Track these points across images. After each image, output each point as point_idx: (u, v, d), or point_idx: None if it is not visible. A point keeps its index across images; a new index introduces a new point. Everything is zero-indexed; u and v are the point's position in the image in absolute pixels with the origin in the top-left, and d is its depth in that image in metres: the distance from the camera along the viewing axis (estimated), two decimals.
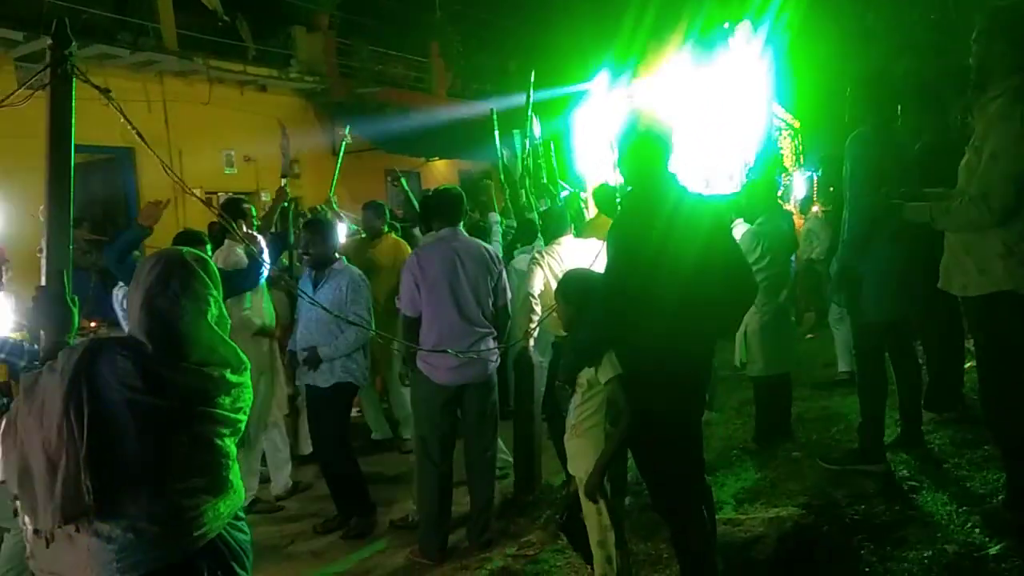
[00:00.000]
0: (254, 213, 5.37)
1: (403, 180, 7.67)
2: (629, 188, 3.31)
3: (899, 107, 4.94)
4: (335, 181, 7.08)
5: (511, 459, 5.06)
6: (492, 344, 4.36)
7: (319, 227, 4.90)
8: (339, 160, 7.24)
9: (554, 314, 4.43)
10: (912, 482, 4.00)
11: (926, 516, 3.61)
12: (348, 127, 7.74)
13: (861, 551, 3.36)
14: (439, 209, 4.47)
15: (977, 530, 3.38)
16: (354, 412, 5.63)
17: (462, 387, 4.29)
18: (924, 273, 4.40)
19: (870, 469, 4.14)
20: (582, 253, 4.58)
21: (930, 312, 4.77)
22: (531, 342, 4.78)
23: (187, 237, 4.57)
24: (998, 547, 3.18)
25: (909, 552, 3.28)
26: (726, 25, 7.53)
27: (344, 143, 7.35)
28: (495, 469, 4.53)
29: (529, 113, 7.27)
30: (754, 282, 3.15)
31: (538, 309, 4.70)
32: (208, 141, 11.53)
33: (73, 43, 2.37)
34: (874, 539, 3.45)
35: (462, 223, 4.52)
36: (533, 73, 7.38)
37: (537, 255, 4.86)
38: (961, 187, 3.23)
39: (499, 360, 4.54)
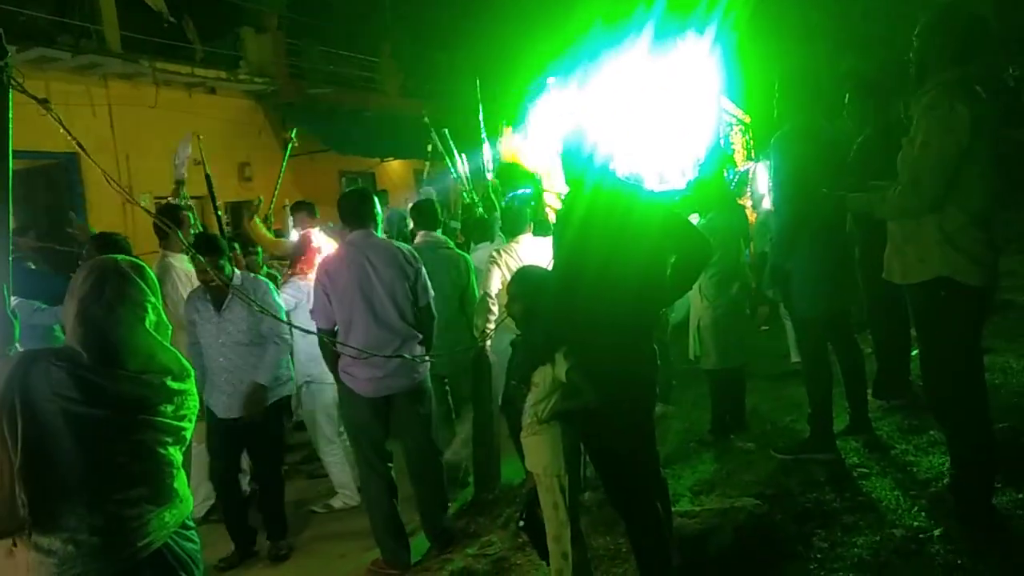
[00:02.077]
0: (192, 220, 5.29)
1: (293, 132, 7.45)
2: (568, 189, 3.32)
3: (845, 99, 5.06)
4: (278, 185, 6.99)
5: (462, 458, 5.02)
6: (419, 350, 4.17)
7: (213, 244, 4.42)
8: (283, 165, 7.15)
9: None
10: (861, 469, 4.08)
11: (875, 502, 3.69)
12: (294, 130, 7.64)
13: (813, 538, 3.42)
14: (346, 212, 4.23)
15: (923, 514, 3.46)
16: None
17: (387, 398, 4.11)
18: (859, 269, 4.53)
19: (820, 457, 4.23)
20: (541, 252, 4.57)
21: (875, 301, 4.89)
22: (487, 341, 4.77)
23: (104, 242, 4.43)
24: (940, 530, 3.26)
25: (858, 537, 3.35)
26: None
27: (290, 146, 7.26)
28: (440, 474, 4.34)
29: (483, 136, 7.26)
30: (707, 242, 3.16)
31: (495, 309, 4.69)
32: (156, 145, 11.28)
33: (8, 53, 2.31)
34: (825, 526, 3.51)
35: (378, 226, 4.31)
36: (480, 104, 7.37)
37: (495, 254, 4.85)
38: (900, 179, 3.31)
39: (427, 367, 4.29)
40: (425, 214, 5.38)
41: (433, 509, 4.27)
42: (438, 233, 5.31)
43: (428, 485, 4.26)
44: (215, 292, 4.29)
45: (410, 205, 7.02)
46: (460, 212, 7.15)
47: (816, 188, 3.98)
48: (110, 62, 10.64)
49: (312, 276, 4.71)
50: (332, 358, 4.13)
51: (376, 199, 4.39)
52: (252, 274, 4.88)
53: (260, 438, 4.45)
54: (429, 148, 8.00)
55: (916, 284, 3.27)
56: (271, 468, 4.62)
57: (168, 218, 5.00)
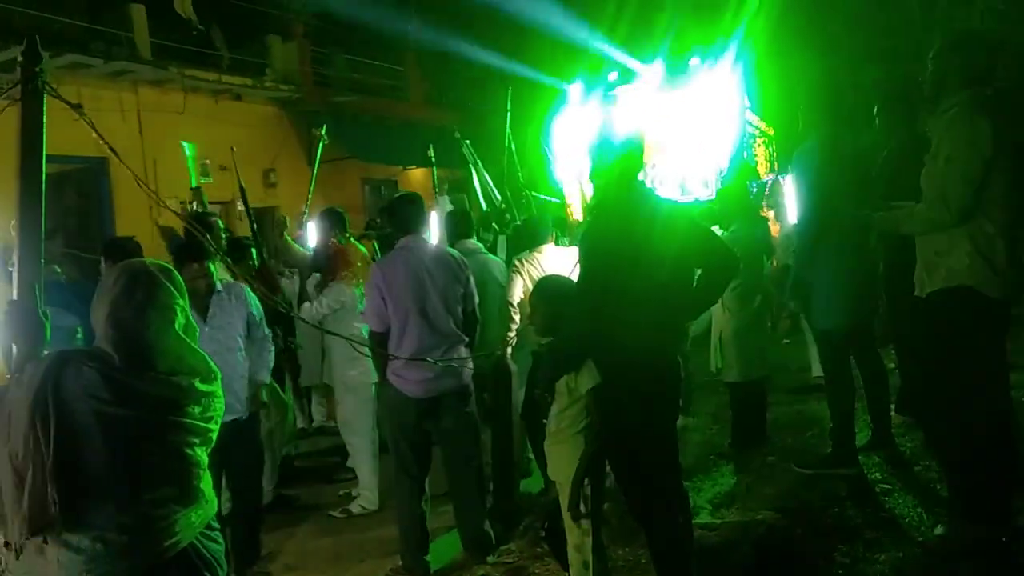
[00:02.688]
0: (221, 226, 5.34)
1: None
2: (598, 197, 3.34)
3: (875, 111, 5.05)
4: (312, 188, 7.01)
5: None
6: (465, 352, 4.25)
7: (198, 250, 4.22)
8: (316, 164, 7.18)
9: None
10: (884, 484, 4.05)
11: (897, 518, 3.67)
12: (324, 127, 7.66)
13: (834, 554, 3.41)
14: (401, 217, 4.31)
15: (945, 530, 3.42)
16: None
17: (435, 399, 4.14)
18: (874, 281, 4.51)
19: (843, 472, 4.20)
20: (563, 261, 4.58)
21: (899, 316, 4.85)
22: (508, 350, 4.78)
23: (115, 247, 4.47)
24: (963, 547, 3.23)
25: (881, 554, 3.33)
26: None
27: (321, 143, 7.29)
28: (481, 478, 4.35)
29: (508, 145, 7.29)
30: (734, 255, 3.17)
31: (517, 318, 4.70)
32: (183, 151, 11.45)
33: (44, 58, 2.37)
34: (847, 542, 3.49)
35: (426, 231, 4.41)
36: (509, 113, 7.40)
37: (517, 263, 4.85)
38: (925, 196, 3.32)
39: (473, 368, 4.36)
40: (460, 222, 5.46)
41: (471, 515, 4.23)
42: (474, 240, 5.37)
43: (468, 489, 4.25)
44: (198, 300, 4.00)
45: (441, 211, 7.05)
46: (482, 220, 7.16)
47: (839, 201, 3.98)
48: (141, 69, 10.81)
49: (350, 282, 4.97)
50: (382, 360, 4.18)
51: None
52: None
53: (244, 447, 4.13)
54: (431, 154, 8.01)
55: (934, 292, 3.26)
56: (253, 481, 4.32)
57: (198, 225, 5.08)
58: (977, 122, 3.10)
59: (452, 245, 5.29)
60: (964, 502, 3.27)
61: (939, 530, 3.44)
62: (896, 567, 3.21)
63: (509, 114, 7.55)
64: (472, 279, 4.34)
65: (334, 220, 5.89)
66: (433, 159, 7.37)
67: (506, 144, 7.34)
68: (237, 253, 4.24)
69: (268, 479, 4.95)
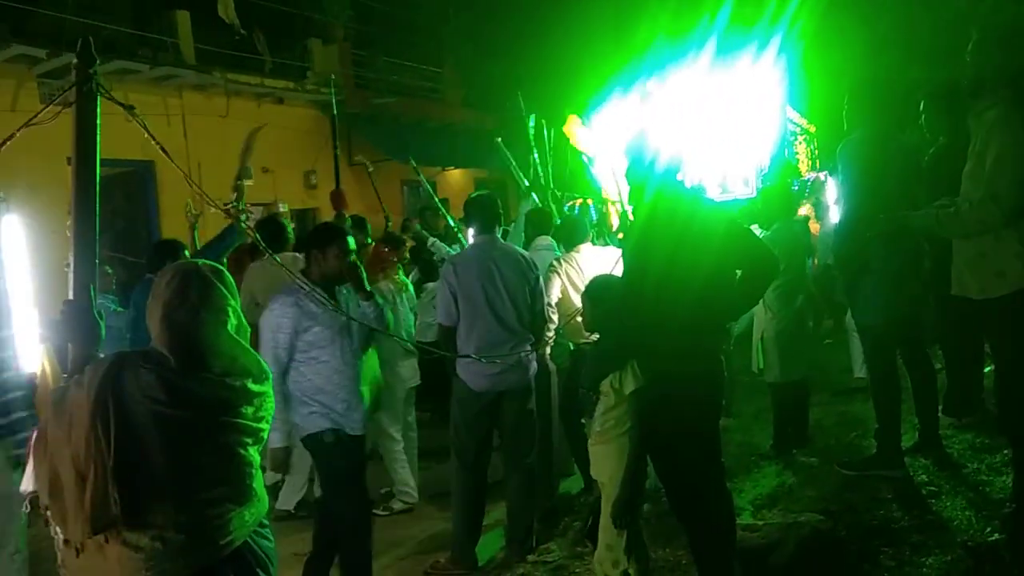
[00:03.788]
0: (290, 229, 5.47)
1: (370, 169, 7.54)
2: (636, 198, 3.35)
3: (920, 107, 4.97)
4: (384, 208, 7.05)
5: None
6: (531, 350, 4.34)
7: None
8: (373, 186, 7.25)
9: (572, 321, 4.48)
10: (931, 487, 3.99)
11: (945, 521, 3.61)
12: (369, 165, 7.80)
13: (880, 556, 3.37)
14: (475, 216, 4.45)
15: (996, 535, 3.37)
16: None
17: (501, 394, 4.24)
18: (919, 278, 4.44)
19: (888, 474, 4.14)
20: (601, 261, 4.61)
21: (945, 316, 4.77)
22: (547, 349, 4.80)
23: (166, 247, 4.61)
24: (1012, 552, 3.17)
25: (927, 557, 3.29)
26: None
27: (370, 174, 7.39)
28: (533, 477, 4.41)
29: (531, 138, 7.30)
30: (774, 256, 3.16)
31: (555, 317, 4.72)
32: (226, 153, 11.61)
33: (97, 61, 2.43)
34: (892, 544, 3.45)
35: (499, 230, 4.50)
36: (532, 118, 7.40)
37: (555, 263, 4.88)
38: (965, 193, 3.27)
39: (535, 366, 4.45)
40: (537, 221, 5.64)
41: (520, 512, 4.30)
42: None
43: (521, 486, 4.32)
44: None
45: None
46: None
47: (886, 193, 3.93)
48: (185, 73, 11.02)
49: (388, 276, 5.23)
50: (451, 354, 4.27)
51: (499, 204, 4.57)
52: None
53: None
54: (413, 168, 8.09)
55: (995, 299, 3.21)
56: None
57: (270, 228, 5.34)
58: None
59: (528, 243, 5.38)
60: None
61: (991, 535, 3.38)
62: (943, 571, 3.16)
63: (528, 116, 7.54)
64: (541, 278, 4.46)
65: (356, 228, 6.05)
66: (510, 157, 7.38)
67: (531, 155, 7.34)
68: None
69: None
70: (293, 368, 3.56)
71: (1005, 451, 4.11)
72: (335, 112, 7.34)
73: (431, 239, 6.51)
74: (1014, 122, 3.09)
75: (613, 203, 8.48)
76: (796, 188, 8.66)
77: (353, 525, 3.66)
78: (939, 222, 3.43)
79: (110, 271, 5.80)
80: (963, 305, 3.48)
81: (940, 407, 4.74)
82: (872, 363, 4.42)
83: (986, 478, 4.00)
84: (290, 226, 5.52)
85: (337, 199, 5.90)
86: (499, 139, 7.46)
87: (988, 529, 3.44)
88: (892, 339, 4.29)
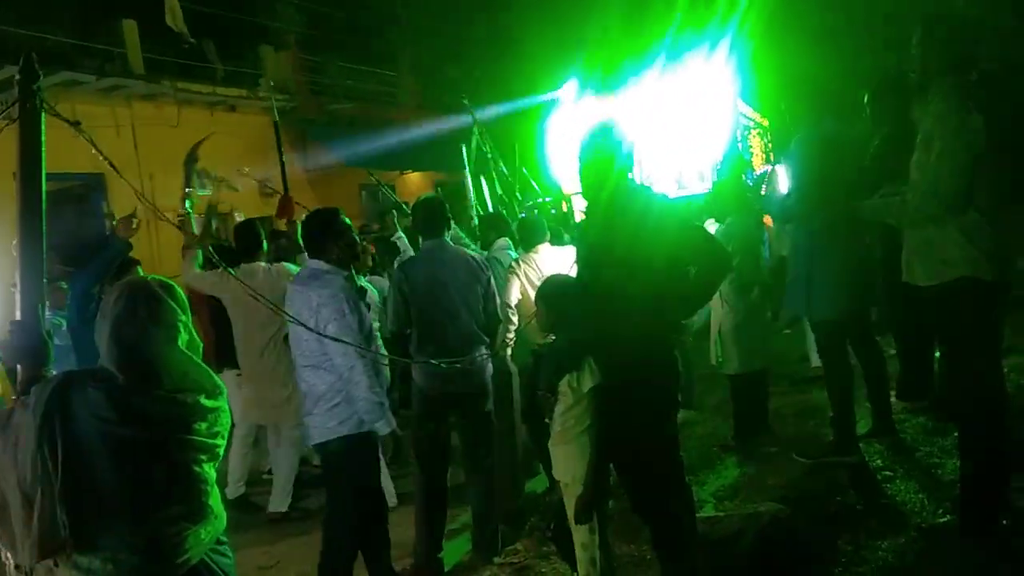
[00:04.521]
0: (263, 240, 5.42)
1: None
2: (589, 197, 3.37)
3: (865, 100, 5.07)
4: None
5: None
6: (485, 352, 4.33)
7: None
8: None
9: (532, 322, 4.49)
10: (885, 472, 4.08)
11: (899, 505, 3.70)
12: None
13: (837, 541, 3.44)
14: (423, 220, 4.42)
15: (949, 516, 3.46)
16: None
17: (457, 397, 4.23)
18: (879, 270, 4.54)
19: (844, 461, 4.23)
20: (559, 261, 4.62)
21: (897, 303, 4.88)
22: (508, 351, 4.81)
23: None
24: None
25: (883, 540, 3.36)
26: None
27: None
28: (492, 479, 4.40)
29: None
30: (726, 253, 3.22)
31: (515, 319, 4.74)
32: (179, 164, 11.40)
33: (40, 76, 2.39)
34: (849, 529, 3.53)
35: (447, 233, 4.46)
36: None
37: (514, 264, 4.89)
38: (913, 183, 3.35)
39: (491, 369, 4.45)
40: (493, 224, 5.68)
41: (483, 513, 4.31)
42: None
43: (481, 488, 4.33)
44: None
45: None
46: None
47: (834, 191, 4.02)
48: (134, 84, 10.86)
49: None
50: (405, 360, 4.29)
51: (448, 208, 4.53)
52: None
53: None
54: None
55: (939, 286, 3.30)
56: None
57: (246, 233, 5.27)
58: (969, 116, 3.13)
59: (486, 245, 5.38)
60: (977, 485, 3.31)
61: (943, 516, 3.47)
62: (899, 553, 3.24)
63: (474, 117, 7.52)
64: (493, 280, 4.44)
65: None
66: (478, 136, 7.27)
67: (469, 161, 7.32)
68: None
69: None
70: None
71: (956, 433, 4.21)
72: (276, 119, 7.18)
73: (398, 232, 6.45)
74: (956, 117, 3.16)
75: (570, 200, 8.54)
76: (750, 181, 8.77)
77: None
78: (888, 211, 3.52)
79: (64, 287, 5.69)
80: (914, 292, 3.56)
81: (893, 392, 4.85)
82: (825, 354, 4.53)
83: (938, 460, 4.10)
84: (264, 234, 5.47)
85: (283, 208, 5.80)
86: (465, 100, 7.41)
87: (940, 511, 3.54)
88: (844, 332, 4.38)
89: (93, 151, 2.65)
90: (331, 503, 3.77)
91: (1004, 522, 3.25)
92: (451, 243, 4.45)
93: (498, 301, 4.48)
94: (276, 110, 7.17)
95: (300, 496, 5.42)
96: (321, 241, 3.69)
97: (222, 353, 5.43)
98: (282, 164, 6.42)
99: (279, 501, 5.31)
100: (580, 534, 3.04)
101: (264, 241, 5.40)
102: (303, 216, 4.24)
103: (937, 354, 4.97)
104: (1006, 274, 3.28)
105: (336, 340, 3.41)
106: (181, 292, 2.28)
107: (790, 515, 3.77)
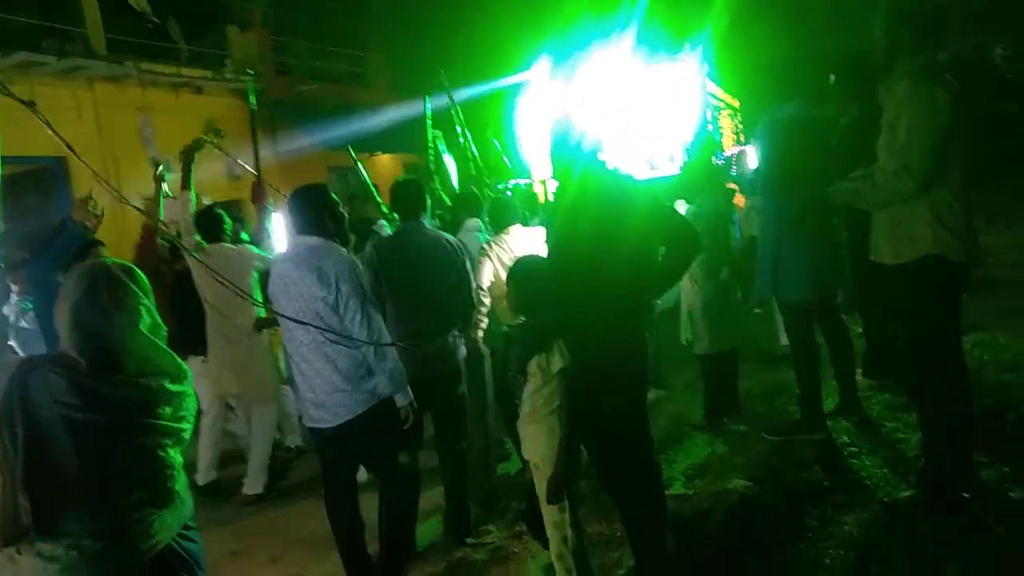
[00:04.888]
0: (228, 222, 5.38)
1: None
2: (558, 178, 3.37)
3: (832, 80, 5.10)
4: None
5: None
6: (459, 335, 4.32)
7: None
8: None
9: (504, 303, 4.48)
10: (851, 448, 4.14)
11: (865, 480, 3.75)
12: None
13: (804, 517, 3.49)
14: (400, 202, 4.38)
15: (912, 491, 3.52)
16: None
17: (430, 380, 4.13)
18: (846, 249, 4.59)
19: (811, 438, 4.29)
20: (531, 242, 4.62)
21: (864, 282, 4.94)
22: (480, 333, 4.81)
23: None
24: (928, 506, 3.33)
25: (848, 515, 3.42)
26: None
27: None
28: (464, 461, 4.39)
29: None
30: (696, 233, 3.23)
31: (487, 301, 4.73)
32: (143, 147, 11.29)
33: None
34: (816, 505, 3.58)
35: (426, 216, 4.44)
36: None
37: (486, 246, 4.87)
38: (880, 164, 3.38)
39: (463, 351, 4.42)
40: (464, 204, 5.64)
41: (456, 495, 4.31)
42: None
43: (453, 471, 4.32)
44: None
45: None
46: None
47: (802, 173, 4.04)
48: (95, 64, 10.61)
49: None
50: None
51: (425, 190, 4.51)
52: None
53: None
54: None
55: (904, 264, 3.34)
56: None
57: (207, 219, 5.23)
58: (935, 92, 3.18)
59: (457, 225, 5.36)
60: (938, 460, 3.38)
61: (907, 491, 3.54)
62: (863, 527, 3.30)
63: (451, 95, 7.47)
64: (468, 263, 4.42)
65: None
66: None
67: (430, 143, 7.27)
68: None
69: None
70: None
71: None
72: (253, 103, 7.06)
73: (381, 220, 6.39)
74: (923, 94, 3.19)
75: (542, 183, 8.52)
76: (720, 162, 8.80)
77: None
78: (858, 194, 3.54)
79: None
80: (879, 270, 3.61)
81: (860, 370, 4.92)
82: (792, 335, 4.57)
83: (903, 436, 4.17)
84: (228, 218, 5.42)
85: (257, 193, 5.71)
86: (442, 74, 7.34)
87: (904, 485, 3.60)
88: (811, 313, 4.43)
89: (49, 133, 2.60)
90: (383, 476, 3.85)
91: (966, 495, 3.32)
92: (427, 225, 4.43)
93: (475, 284, 4.46)
94: (246, 92, 6.98)
95: (275, 480, 5.44)
96: (317, 215, 3.64)
97: (187, 339, 5.36)
98: (256, 150, 6.32)
99: (254, 483, 5.29)
100: (551, 513, 3.06)
101: (227, 225, 5.37)
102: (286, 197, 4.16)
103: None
104: (972, 254, 3.34)
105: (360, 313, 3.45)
106: (143, 275, 2.25)
107: (758, 492, 3.81)
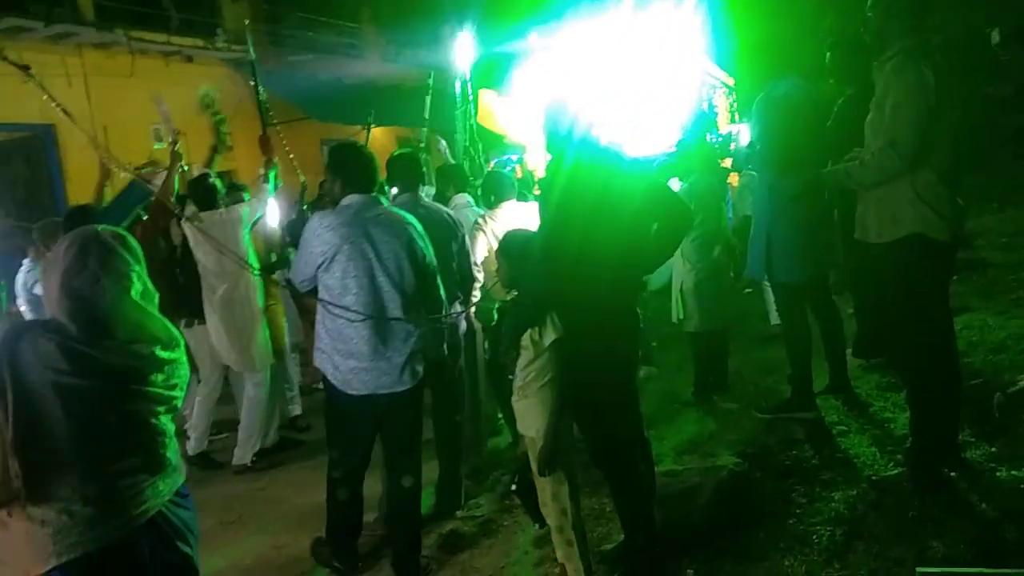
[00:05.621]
0: (221, 189, 5.40)
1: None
2: (553, 153, 3.35)
3: (827, 59, 5.08)
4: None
5: None
6: (460, 309, 4.31)
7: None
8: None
9: (497, 279, 4.47)
10: (840, 426, 4.18)
11: (852, 458, 3.79)
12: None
13: (792, 494, 3.52)
14: (398, 175, 4.37)
15: (899, 469, 3.55)
16: None
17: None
18: (838, 230, 4.59)
19: (801, 416, 4.32)
20: (524, 217, 4.60)
21: (855, 262, 4.96)
22: (471, 308, 4.80)
23: (80, 215, 4.47)
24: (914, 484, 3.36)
25: (836, 492, 3.45)
26: None
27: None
28: (459, 434, 4.41)
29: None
30: (688, 209, 3.24)
31: (480, 276, 4.72)
32: (134, 115, 11.10)
33: None
34: (804, 482, 3.61)
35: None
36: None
37: (480, 221, 4.86)
38: (867, 143, 3.39)
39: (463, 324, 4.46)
40: (452, 179, 5.57)
41: (449, 468, 4.32)
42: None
43: (449, 443, 4.33)
44: None
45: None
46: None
47: (799, 156, 4.04)
48: (85, 31, 10.46)
49: None
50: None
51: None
52: None
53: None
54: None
55: (889, 242, 3.35)
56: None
57: (202, 188, 5.28)
58: (922, 72, 3.18)
59: (444, 199, 5.32)
60: (925, 438, 3.41)
61: (894, 469, 3.57)
62: (850, 505, 3.32)
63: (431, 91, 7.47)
64: (467, 237, 4.42)
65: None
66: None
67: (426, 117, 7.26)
68: None
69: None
70: None
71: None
72: (253, 59, 7.05)
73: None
74: (910, 71, 3.20)
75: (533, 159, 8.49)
76: (715, 141, 8.79)
77: None
78: (848, 174, 3.55)
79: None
80: (871, 249, 3.61)
81: (850, 350, 4.95)
82: (784, 314, 4.59)
83: (891, 415, 4.20)
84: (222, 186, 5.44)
85: (265, 145, 5.75)
86: (430, 79, 7.34)
87: (891, 463, 3.63)
88: (803, 293, 4.44)
89: (44, 98, 2.56)
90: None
91: (952, 474, 3.35)
92: (425, 198, 4.41)
93: (472, 259, 4.46)
94: (242, 61, 7.00)
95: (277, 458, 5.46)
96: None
97: (183, 304, 5.36)
98: (259, 103, 6.37)
99: (242, 452, 5.30)
100: (549, 485, 3.07)
101: (220, 193, 5.39)
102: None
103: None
104: (957, 235, 3.35)
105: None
106: (134, 241, 2.23)
107: (747, 469, 3.85)
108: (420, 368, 3.52)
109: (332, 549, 3.61)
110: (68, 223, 4.39)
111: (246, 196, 5.68)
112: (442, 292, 3.73)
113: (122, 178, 5.31)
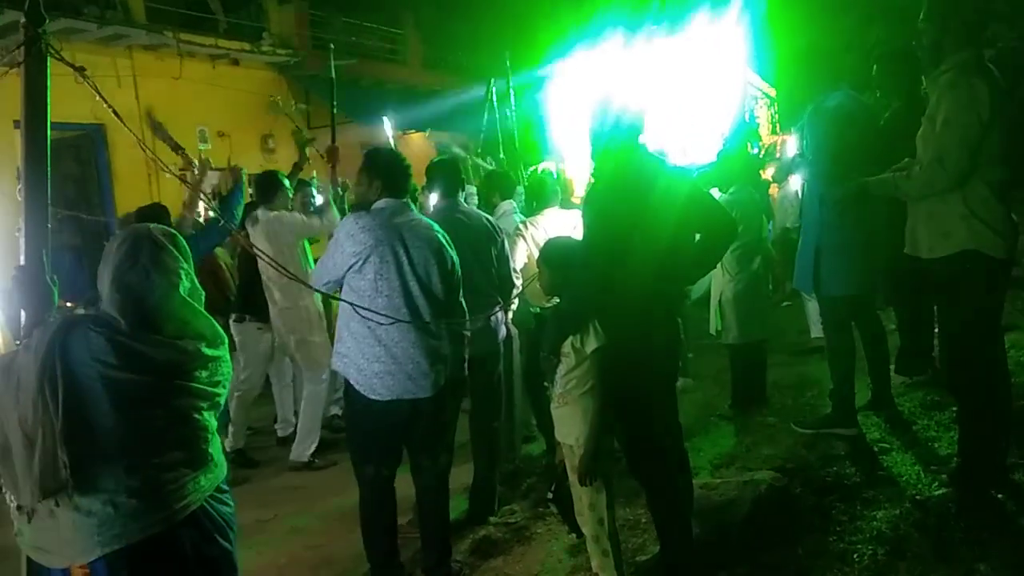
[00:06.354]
0: (288, 185, 5.50)
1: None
2: (598, 162, 3.34)
3: (874, 70, 5.00)
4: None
5: None
6: (500, 314, 4.31)
7: None
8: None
9: (536, 284, 4.47)
10: (882, 444, 4.10)
11: (895, 476, 3.71)
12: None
13: (832, 511, 3.46)
14: (439, 181, 4.39)
15: (943, 489, 3.47)
16: None
17: (471, 358, 3.94)
18: (885, 245, 4.51)
19: (842, 432, 4.25)
20: (566, 224, 4.60)
21: (900, 277, 4.86)
22: (509, 314, 4.80)
23: (148, 213, 4.55)
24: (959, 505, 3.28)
25: (878, 511, 3.38)
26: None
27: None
28: (496, 440, 4.42)
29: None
30: (732, 220, 3.21)
31: (518, 282, 4.71)
32: (181, 116, 11.30)
33: (47, 20, 2.36)
34: (845, 499, 3.54)
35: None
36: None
37: (521, 227, 4.86)
38: (919, 156, 3.33)
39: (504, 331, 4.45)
40: (497, 186, 5.63)
41: (484, 473, 4.31)
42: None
43: (485, 448, 4.34)
44: None
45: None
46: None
47: (851, 168, 3.98)
48: (135, 33, 10.68)
49: None
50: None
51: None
52: None
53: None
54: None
55: (941, 258, 3.28)
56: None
57: (266, 183, 5.43)
58: (975, 85, 3.13)
59: (490, 206, 5.37)
60: (973, 458, 3.33)
61: (938, 489, 3.49)
62: (893, 524, 3.25)
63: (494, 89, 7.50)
64: (506, 243, 4.42)
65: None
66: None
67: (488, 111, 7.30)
68: None
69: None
70: None
71: (954, 408, 4.22)
72: (332, 69, 7.25)
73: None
74: (963, 86, 3.15)
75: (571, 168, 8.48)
76: (756, 152, 8.70)
77: None
78: (895, 185, 3.50)
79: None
80: (915, 265, 3.55)
81: (892, 366, 4.85)
82: (828, 326, 4.51)
83: (935, 434, 4.11)
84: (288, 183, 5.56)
85: (332, 155, 5.91)
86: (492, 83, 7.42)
87: (935, 483, 3.55)
88: (851, 307, 4.36)
89: (96, 99, 2.61)
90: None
91: (999, 496, 3.27)
92: (465, 204, 4.43)
93: (512, 264, 4.46)
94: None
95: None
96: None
97: (246, 302, 5.49)
98: (332, 115, 6.57)
99: (300, 449, 5.36)
100: (587, 495, 3.05)
101: (286, 190, 5.49)
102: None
103: (936, 329, 4.98)
104: (1012, 251, 3.27)
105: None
106: (183, 240, 2.27)
107: (786, 484, 3.79)
108: (445, 375, 3.50)
109: (367, 550, 3.62)
110: (140, 219, 4.50)
111: (314, 185, 5.76)
112: (463, 304, 3.71)
113: (167, 179, 5.43)
